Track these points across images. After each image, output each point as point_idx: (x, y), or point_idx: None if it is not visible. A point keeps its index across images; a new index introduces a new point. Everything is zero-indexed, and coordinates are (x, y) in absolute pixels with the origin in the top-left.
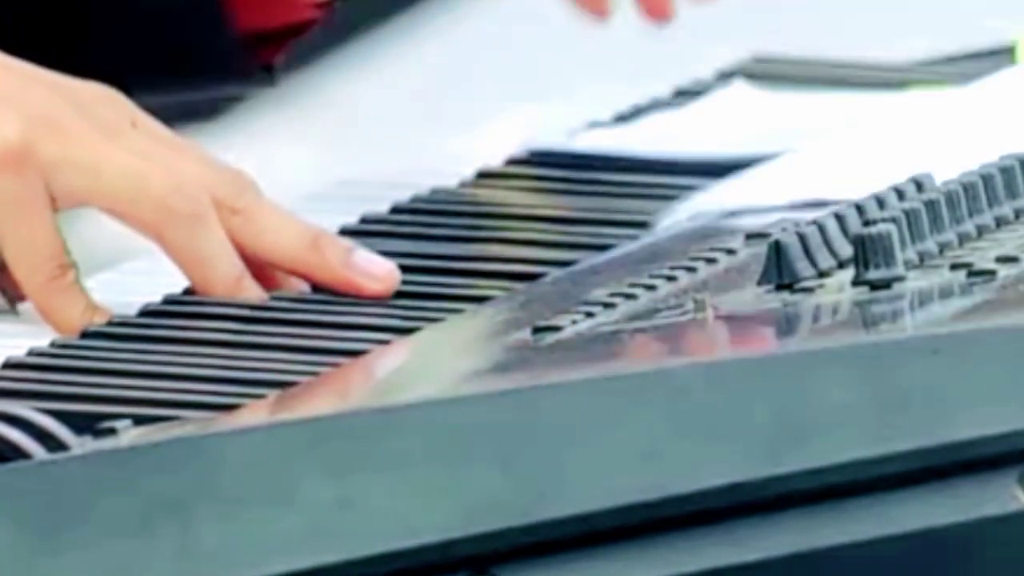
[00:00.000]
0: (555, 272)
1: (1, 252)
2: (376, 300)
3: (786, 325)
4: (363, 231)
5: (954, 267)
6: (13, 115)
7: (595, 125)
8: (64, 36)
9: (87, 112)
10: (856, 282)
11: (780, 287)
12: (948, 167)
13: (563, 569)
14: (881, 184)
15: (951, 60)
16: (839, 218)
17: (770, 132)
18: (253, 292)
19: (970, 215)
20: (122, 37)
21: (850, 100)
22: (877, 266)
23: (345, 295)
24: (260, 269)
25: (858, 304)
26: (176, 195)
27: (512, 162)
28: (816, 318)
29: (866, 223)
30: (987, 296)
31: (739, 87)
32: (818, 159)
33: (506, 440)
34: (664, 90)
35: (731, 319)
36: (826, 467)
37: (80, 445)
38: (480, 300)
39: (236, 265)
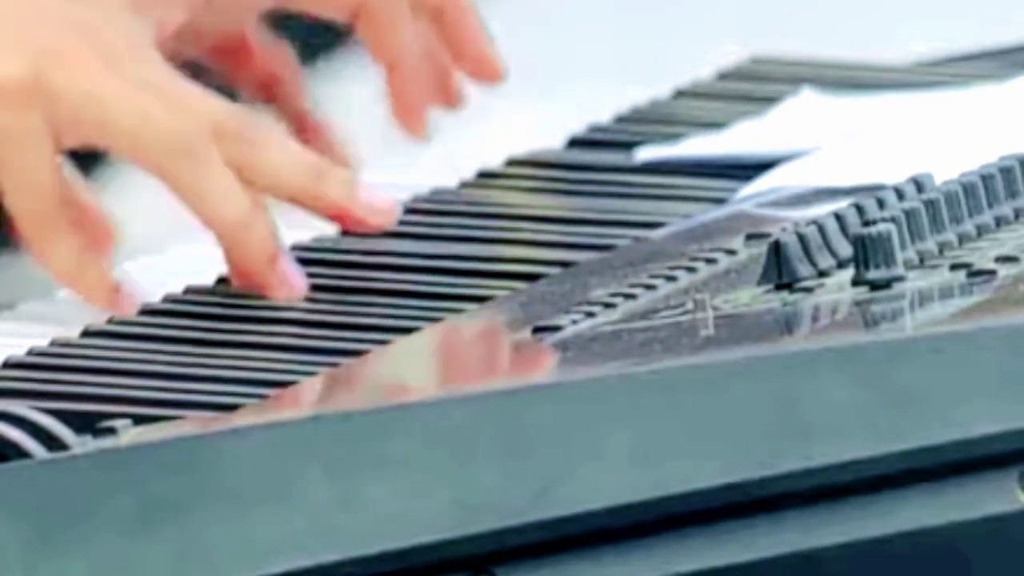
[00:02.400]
0: (555, 272)
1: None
2: (367, 301)
3: (786, 325)
4: (362, 231)
5: (954, 267)
6: (21, 46)
7: (595, 125)
8: None
9: (96, 41)
10: (856, 282)
11: (780, 287)
12: (948, 167)
13: (563, 569)
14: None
15: (950, 61)
16: (839, 218)
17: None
18: (262, 228)
19: (970, 215)
20: None
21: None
22: (877, 266)
23: (337, 284)
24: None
25: (858, 304)
26: (179, 133)
27: (512, 162)
28: (816, 318)
29: (866, 223)
30: (987, 296)
31: (807, 94)
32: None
33: (506, 440)
34: (664, 90)
35: (731, 319)
36: (826, 467)
37: (80, 445)
38: (480, 300)
39: (242, 204)
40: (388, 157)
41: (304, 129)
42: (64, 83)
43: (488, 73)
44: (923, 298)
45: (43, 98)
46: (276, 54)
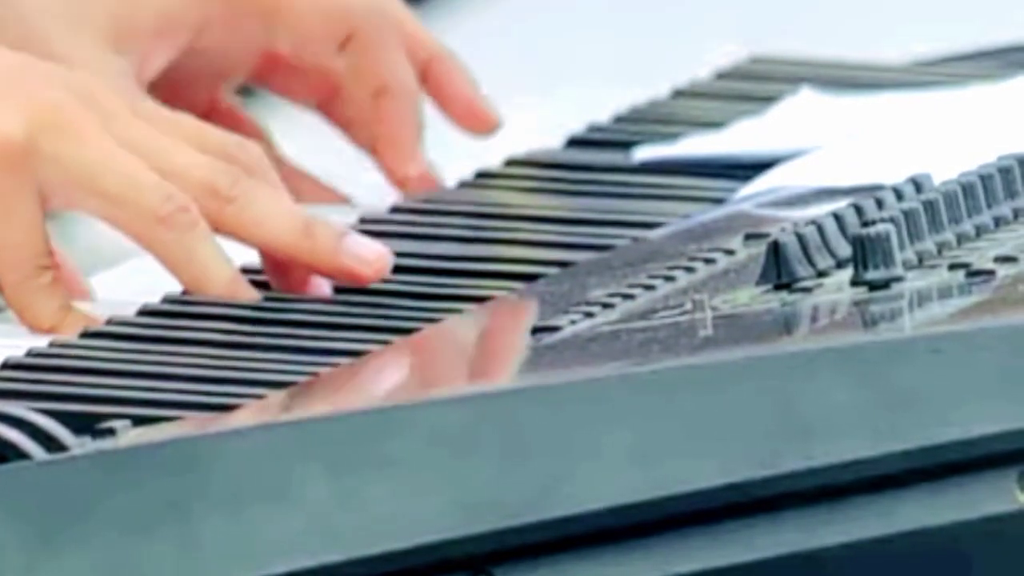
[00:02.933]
0: (555, 272)
1: None
2: (367, 301)
3: (785, 325)
4: (362, 231)
5: (952, 267)
6: (18, 106)
7: (594, 125)
8: None
9: (90, 101)
10: (855, 282)
11: (779, 287)
12: (946, 167)
13: (563, 569)
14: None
15: (950, 61)
16: (838, 218)
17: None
18: (246, 295)
19: (968, 215)
20: None
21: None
22: (876, 266)
23: (340, 284)
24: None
25: (857, 304)
26: (167, 205)
27: (511, 162)
28: (815, 318)
29: (865, 223)
30: (985, 296)
31: (806, 94)
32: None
33: (506, 440)
34: (663, 90)
35: (730, 319)
36: (826, 467)
37: (79, 445)
38: (480, 300)
39: (229, 271)
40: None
41: (285, 179)
42: (57, 148)
43: (482, 124)
44: (922, 298)
45: (35, 161)
46: (242, 120)
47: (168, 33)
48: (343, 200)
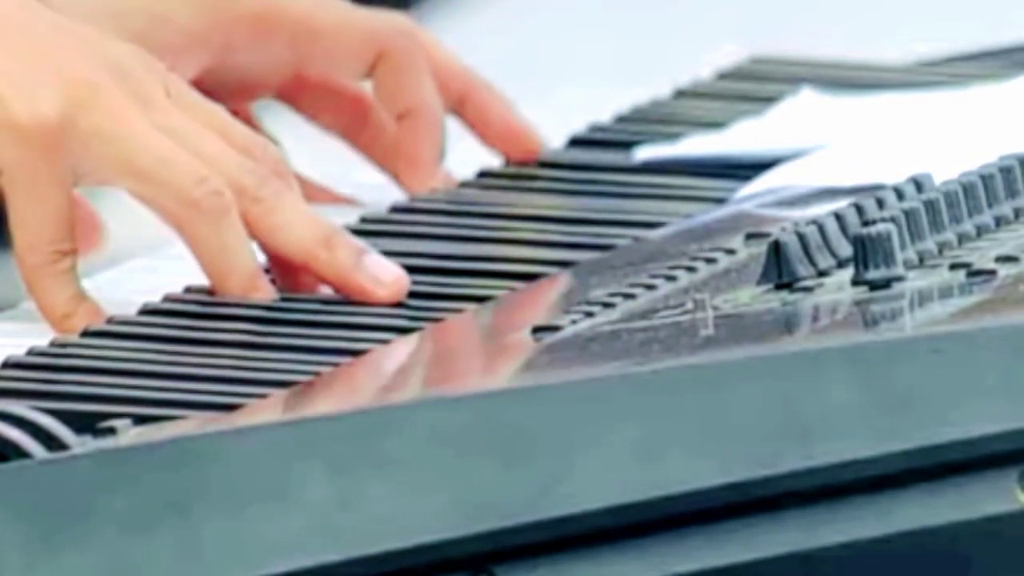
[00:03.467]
0: (555, 272)
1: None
2: (367, 301)
3: (786, 325)
4: (363, 231)
5: (953, 267)
6: (56, 85)
7: (595, 125)
8: None
9: (125, 76)
10: (856, 282)
11: (779, 287)
12: (947, 167)
13: (563, 569)
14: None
15: (950, 61)
16: (839, 218)
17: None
18: (265, 290)
19: (969, 215)
20: None
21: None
22: (876, 266)
23: (350, 297)
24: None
25: (857, 304)
26: (201, 187)
27: (512, 163)
28: (815, 318)
29: (865, 223)
30: (986, 296)
31: (806, 94)
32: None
33: (506, 440)
34: (664, 90)
35: (731, 319)
36: (826, 467)
37: (80, 445)
38: (480, 300)
39: (251, 263)
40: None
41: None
42: (93, 127)
43: (526, 147)
44: (923, 298)
45: (71, 140)
46: (257, 129)
47: (191, 52)
48: (346, 202)
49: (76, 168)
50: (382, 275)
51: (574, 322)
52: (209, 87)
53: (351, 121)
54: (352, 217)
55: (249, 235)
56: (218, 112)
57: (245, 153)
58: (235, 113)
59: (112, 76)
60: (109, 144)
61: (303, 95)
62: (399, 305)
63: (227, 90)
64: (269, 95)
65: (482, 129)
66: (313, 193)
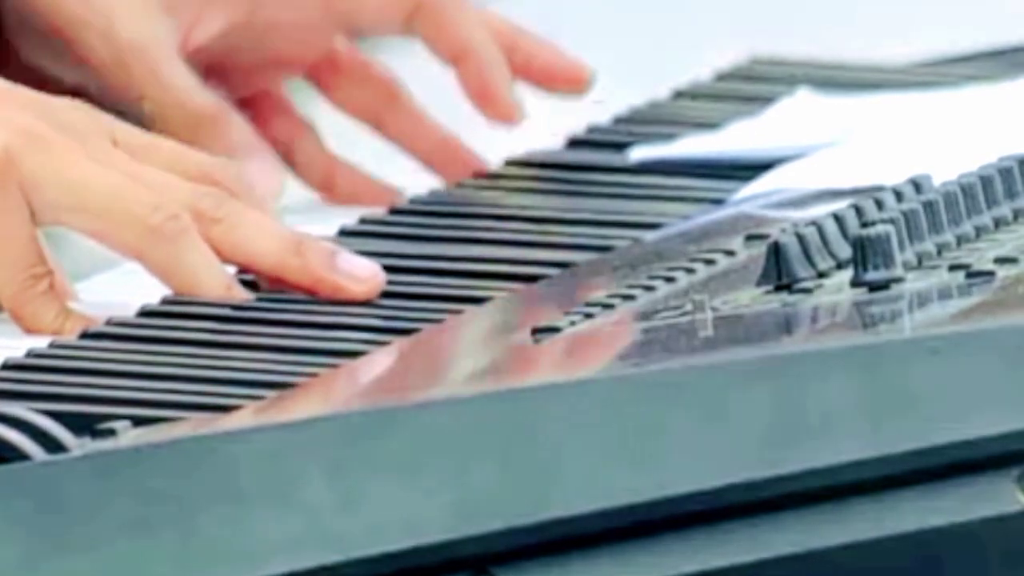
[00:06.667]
0: (555, 273)
1: None
2: (367, 301)
3: (785, 326)
4: (362, 232)
5: (952, 268)
6: None
7: (594, 126)
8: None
9: (68, 128)
10: (855, 283)
11: (779, 288)
12: (946, 168)
13: (563, 569)
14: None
15: (950, 61)
16: (838, 219)
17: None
18: (240, 295)
19: (968, 216)
20: None
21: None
22: (876, 267)
23: (331, 299)
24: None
25: (857, 305)
26: (157, 214)
27: (511, 163)
28: (815, 319)
29: (864, 224)
30: (985, 297)
31: (804, 94)
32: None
33: (506, 440)
34: (663, 90)
35: (730, 320)
36: (826, 467)
37: (79, 446)
38: (479, 301)
39: (222, 275)
40: (389, 158)
41: (335, 176)
42: (36, 168)
43: (507, 116)
44: (922, 299)
45: (19, 178)
46: (291, 112)
47: (217, 4)
48: (394, 193)
49: (28, 206)
50: (357, 271)
51: (573, 323)
52: (238, 52)
53: (382, 108)
54: (351, 219)
55: (219, 257)
56: (171, 147)
57: (203, 180)
58: (268, 95)
59: (54, 127)
60: (54, 185)
61: (334, 78)
62: (399, 306)
63: (258, 57)
64: (300, 71)
65: (534, 73)
66: (365, 187)
